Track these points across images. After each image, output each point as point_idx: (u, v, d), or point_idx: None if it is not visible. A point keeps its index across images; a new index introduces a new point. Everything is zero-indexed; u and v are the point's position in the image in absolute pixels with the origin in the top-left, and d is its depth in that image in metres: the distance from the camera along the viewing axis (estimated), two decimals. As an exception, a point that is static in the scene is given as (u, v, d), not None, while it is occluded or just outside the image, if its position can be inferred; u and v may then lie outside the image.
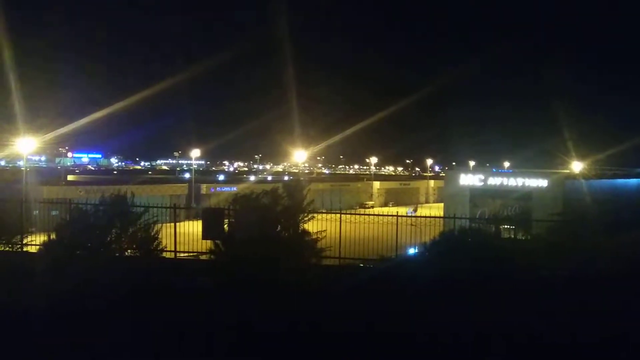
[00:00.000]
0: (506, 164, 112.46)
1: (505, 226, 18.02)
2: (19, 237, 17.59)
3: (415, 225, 19.72)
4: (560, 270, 13.46)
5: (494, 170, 75.87)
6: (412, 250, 17.78)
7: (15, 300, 11.19)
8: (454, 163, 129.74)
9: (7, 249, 17.12)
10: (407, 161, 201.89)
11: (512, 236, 17.09)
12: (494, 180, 58.42)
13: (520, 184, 56.23)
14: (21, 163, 68.14)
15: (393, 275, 13.27)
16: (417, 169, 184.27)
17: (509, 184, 56.90)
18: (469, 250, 13.55)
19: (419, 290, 11.84)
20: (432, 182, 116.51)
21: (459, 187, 58.71)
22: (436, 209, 60.08)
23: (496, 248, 13.96)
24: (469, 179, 59.49)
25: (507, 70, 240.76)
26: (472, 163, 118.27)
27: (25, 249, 17.43)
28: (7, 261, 15.93)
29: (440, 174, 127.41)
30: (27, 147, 54.09)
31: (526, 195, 53.92)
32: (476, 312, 10.68)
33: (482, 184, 58.20)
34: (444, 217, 22.55)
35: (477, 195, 56.77)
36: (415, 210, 65.90)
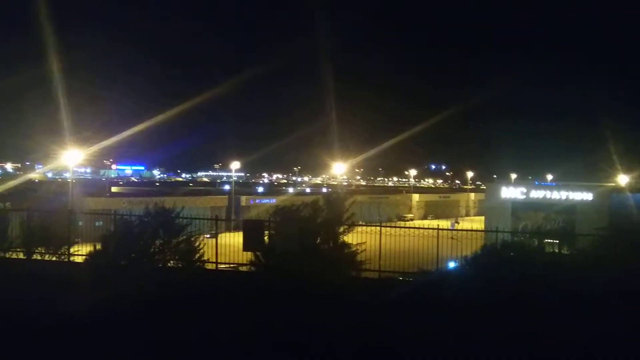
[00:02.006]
0: (549, 177, 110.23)
1: (549, 240, 17.62)
2: (65, 247, 18.06)
3: (456, 239, 19.47)
4: (606, 285, 13.09)
5: (536, 183, 74.41)
6: (452, 264, 17.55)
7: (62, 309, 11.48)
8: (494, 176, 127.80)
9: (55, 258, 17.62)
10: (447, 173, 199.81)
11: (556, 250, 16.70)
12: (537, 193, 57.37)
13: (564, 197, 55.06)
14: (67, 175, 70.05)
15: (434, 289, 13.14)
16: (457, 181, 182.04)
17: (552, 197, 55.79)
18: (512, 264, 13.33)
19: (461, 306, 11.68)
20: (472, 195, 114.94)
21: (500, 200, 57.83)
22: (477, 222, 59.26)
23: (540, 263, 13.68)
24: (511, 192, 58.56)
25: (550, 83, 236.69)
26: (513, 176, 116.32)
27: (71, 259, 17.89)
28: (55, 271, 16.38)
29: (481, 187, 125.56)
30: (73, 159, 55.67)
31: (570, 208, 52.76)
32: (522, 329, 10.48)
33: (524, 197, 57.21)
34: (485, 231, 22.20)
35: (519, 208, 55.80)
36: (456, 223, 65.07)
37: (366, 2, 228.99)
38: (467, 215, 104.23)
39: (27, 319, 11.08)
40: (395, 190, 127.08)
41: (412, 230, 20.74)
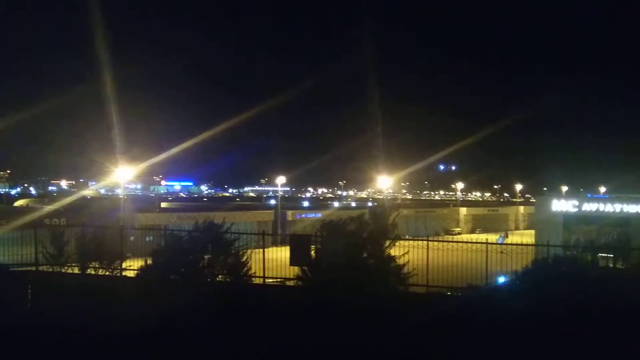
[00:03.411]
0: (602, 189, 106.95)
1: (603, 254, 17.12)
2: (118, 262, 18.51)
3: (505, 253, 19.09)
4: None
5: (588, 195, 72.36)
6: (502, 279, 17.21)
7: (115, 323, 11.77)
8: (544, 188, 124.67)
9: (108, 273, 18.09)
10: (495, 187, 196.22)
11: (610, 265, 16.20)
12: (589, 206, 55.74)
13: (617, 209, 53.34)
14: (119, 191, 71.94)
15: (482, 305, 12.89)
16: (505, 194, 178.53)
17: (606, 209, 54.12)
18: (565, 280, 12.96)
19: (513, 323, 11.41)
20: (522, 208, 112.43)
21: (551, 213, 56.44)
22: (527, 236, 57.89)
23: (594, 278, 13.26)
24: (562, 205, 57.09)
25: (602, 94, 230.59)
26: (564, 188, 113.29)
27: (123, 274, 18.31)
28: (108, 285, 16.77)
29: (530, 200, 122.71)
30: (124, 176, 57.19)
31: (624, 221, 51.08)
32: (577, 348, 10.17)
33: (576, 209, 55.68)
34: (535, 245, 21.71)
35: (571, 221, 54.32)
36: (505, 237, 63.77)
37: (411, 17, 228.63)
38: (517, 228, 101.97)
39: (82, 332, 11.40)
40: (442, 203, 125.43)
41: (459, 244, 20.43)
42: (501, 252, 19.01)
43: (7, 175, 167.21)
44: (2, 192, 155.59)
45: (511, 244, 19.85)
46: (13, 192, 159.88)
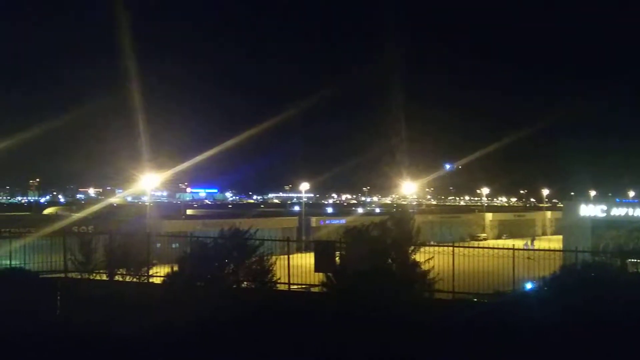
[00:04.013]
0: (630, 194, 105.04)
1: (632, 260, 16.81)
2: (145, 269, 18.71)
3: (533, 259, 18.86)
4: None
5: (617, 200, 71.12)
6: (529, 285, 16.99)
7: (143, 329, 11.89)
8: (572, 193, 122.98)
9: (135, 280, 18.30)
10: (521, 192, 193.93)
11: (641, 271, 15.89)
12: (618, 211, 54.73)
13: (647, 214, 52.31)
14: (145, 199, 72.78)
15: (510, 311, 12.72)
16: (532, 199, 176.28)
17: (635, 214, 53.10)
18: (593, 286, 12.74)
19: (538, 329, 11.25)
20: (549, 213, 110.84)
21: (578, 219, 55.50)
22: (555, 242, 57.07)
23: (623, 284, 13.02)
24: (590, 210, 56.13)
25: (632, 99, 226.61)
26: (592, 193, 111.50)
27: (150, 280, 18.51)
28: (135, 292, 16.97)
29: (558, 205, 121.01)
30: (151, 183, 57.83)
31: (654, 226, 50.02)
32: (609, 356, 9.97)
33: (604, 214, 54.70)
34: (563, 250, 21.42)
35: (599, 226, 53.34)
36: (532, 243, 62.93)
37: (435, 22, 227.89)
38: (544, 234, 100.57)
39: (110, 338, 11.54)
40: (467, 209, 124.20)
41: (486, 250, 20.24)
42: (528, 258, 18.80)
43: (36, 184, 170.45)
44: (31, 200, 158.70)
45: (538, 250, 19.63)
46: (42, 200, 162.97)
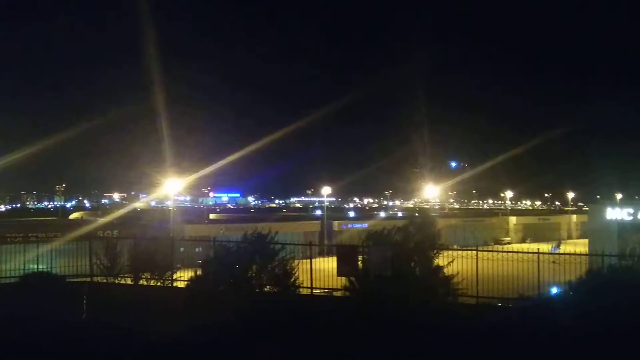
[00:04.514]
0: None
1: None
2: (169, 273, 18.87)
3: (558, 263, 18.60)
4: None
5: (645, 203, 69.75)
6: (554, 290, 16.77)
7: (167, 333, 11.99)
8: (598, 196, 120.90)
9: (159, 284, 18.47)
10: (546, 195, 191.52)
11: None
12: (646, 214, 53.79)
13: (676, 217, 51.33)
14: (169, 203, 73.42)
15: (536, 316, 12.58)
16: (557, 202, 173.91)
17: (663, 217, 52.16)
18: (620, 290, 12.53)
19: (566, 334, 11.10)
20: (574, 217, 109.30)
21: (605, 222, 54.66)
22: (581, 245, 56.27)
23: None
24: (617, 213, 55.26)
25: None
26: (618, 196, 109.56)
27: (174, 284, 18.66)
28: (160, 296, 17.13)
29: (583, 208, 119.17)
30: (174, 188, 58.32)
31: (683, 229, 49.07)
32: None
33: (631, 217, 53.80)
34: (589, 255, 21.07)
35: (626, 230, 52.45)
36: (558, 247, 62.11)
37: (457, 25, 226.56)
38: (570, 237, 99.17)
39: (134, 341, 11.67)
40: (491, 213, 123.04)
41: (510, 254, 20.02)
42: (553, 262, 18.55)
43: (62, 189, 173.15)
44: (57, 206, 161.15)
45: (563, 254, 19.36)
46: (68, 205, 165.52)
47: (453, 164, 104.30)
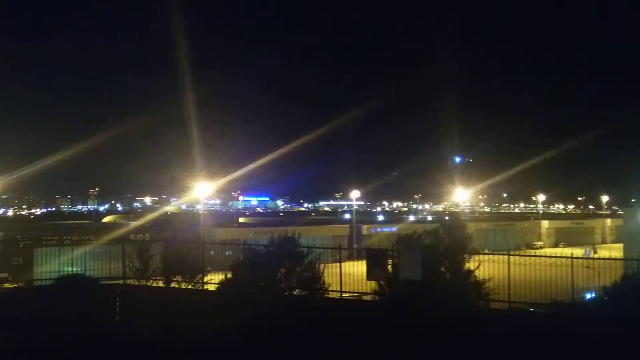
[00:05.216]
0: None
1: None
2: (200, 276, 19.06)
3: (592, 268, 18.26)
4: None
5: (682, 206, 67.97)
6: (589, 295, 16.47)
7: (198, 334, 12.12)
8: (632, 200, 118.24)
9: (190, 286, 18.66)
10: (579, 198, 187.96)
11: None
12: (682, 218, 52.45)
13: None
14: (199, 207, 74.19)
15: (569, 322, 12.37)
16: (590, 206, 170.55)
17: (701, 221, 50.76)
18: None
19: (599, 340, 10.88)
20: (609, 221, 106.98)
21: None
22: (616, 250, 55.10)
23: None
24: (653, 216, 53.99)
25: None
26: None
27: (205, 287, 18.84)
28: (191, 298, 17.30)
29: (618, 212, 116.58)
30: (204, 192, 58.95)
31: None
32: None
33: (668, 221, 52.51)
34: (624, 259, 20.63)
35: (662, 234, 51.16)
36: (593, 251, 60.90)
37: (490, 27, 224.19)
38: (604, 242, 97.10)
39: (166, 344, 11.80)
40: (522, 216, 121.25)
41: (542, 258, 19.70)
42: (587, 267, 18.22)
43: (95, 193, 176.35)
44: (91, 209, 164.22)
45: (597, 258, 19.01)
46: (101, 208, 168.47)
47: (457, 159, 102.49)
